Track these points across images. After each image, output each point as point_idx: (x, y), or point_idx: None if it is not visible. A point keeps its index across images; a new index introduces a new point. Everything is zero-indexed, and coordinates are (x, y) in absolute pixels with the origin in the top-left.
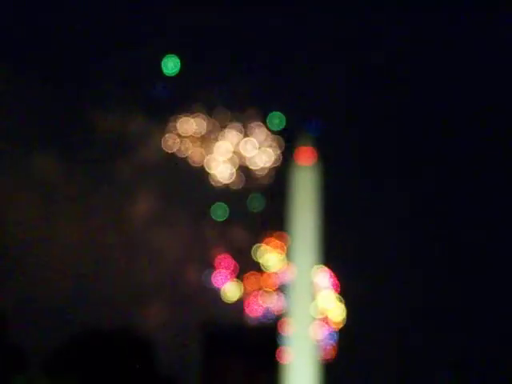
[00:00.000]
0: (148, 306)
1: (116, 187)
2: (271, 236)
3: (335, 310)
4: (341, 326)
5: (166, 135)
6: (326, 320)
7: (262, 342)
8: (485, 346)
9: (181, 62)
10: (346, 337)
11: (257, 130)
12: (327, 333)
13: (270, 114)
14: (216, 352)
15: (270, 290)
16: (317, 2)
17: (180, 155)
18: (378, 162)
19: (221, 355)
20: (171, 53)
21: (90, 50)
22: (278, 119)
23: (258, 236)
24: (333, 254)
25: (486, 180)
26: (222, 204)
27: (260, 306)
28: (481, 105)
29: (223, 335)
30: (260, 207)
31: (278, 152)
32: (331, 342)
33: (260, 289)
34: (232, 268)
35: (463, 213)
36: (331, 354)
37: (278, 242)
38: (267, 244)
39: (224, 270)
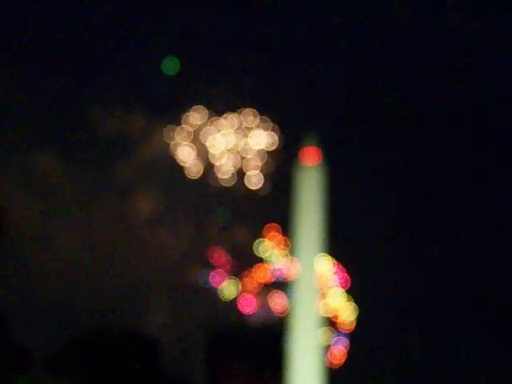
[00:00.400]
0: (151, 305)
1: (116, 187)
2: (274, 232)
3: (344, 310)
4: (351, 327)
5: (167, 135)
6: (333, 321)
7: (265, 343)
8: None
9: (181, 61)
10: (356, 340)
11: (259, 130)
12: (335, 335)
13: None
14: (219, 353)
15: (273, 288)
16: (317, 2)
17: (180, 155)
18: (382, 160)
19: (224, 356)
20: (171, 53)
21: (90, 49)
22: None
23: (261, 233)
24: (340, 251)
25: (487, 179)
26: (223, 208)
27: (262, 305)
28: (484, 105)
29: (226, 336)
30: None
31: (282, 151)
32: (340, 345)
33: (262, 287)
34: (232, 266)
35: (468, 211)
36: (339, 358)
37: (281, 237)
38: (270, 240)
39: (224, 269)
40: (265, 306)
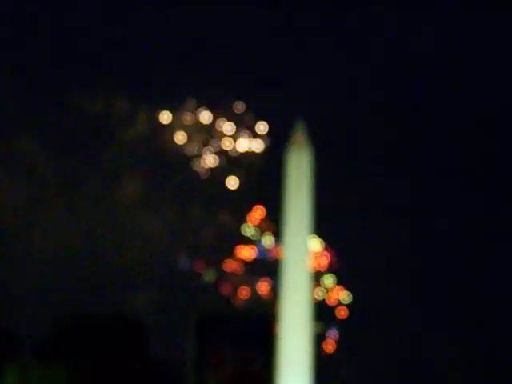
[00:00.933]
0: (139, 291)
1: (102, 172)
2: (262, 214)
3: (337, 295)
4: (344, 313)
5: (152, 120)
6: (326, 306)
7: (255, 328)
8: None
9: (170, 50)
10: (348, 327)
11: (248, 117)
12: (327, 322)
13: None
14: (208, 337)
15: (261, 270)
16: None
17: (168, 141)
18: (371, 144)
19: (213, 341)
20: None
21: (76, 34)
22: None
23: (248, 215)
24: (329, 233)
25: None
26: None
27: (251, 290)
28: (476, 102)
29: (215, 320)
30: None
31: (271, 136)
32: (331, 332)
33: (249, 269)
34: (219, 249)
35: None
36: (331, 345)
37: (268, 220)
38: (258, 222)
39: (211, 255)
40: (252, 289)
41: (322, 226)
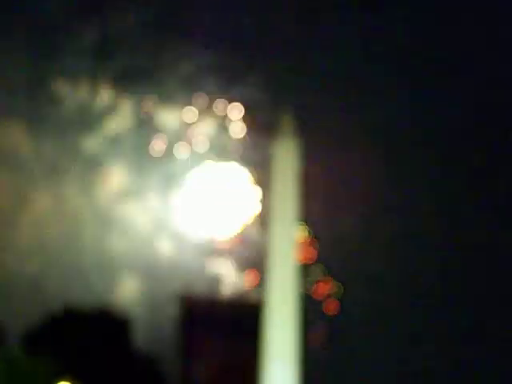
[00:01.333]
0: (124, 280)
1: (84, 159)
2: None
3: (324, 287)
4: (331, 307)
5: (135, 108)
6: (315, 299)
7: (242, 317)
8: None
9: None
10: (337, 321)
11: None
12: (314, 313)
13: None
14: (195, 327)
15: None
16: None
17: (152, 130)
18: (357, 132)
19: (200, 331)
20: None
21: (58, 22)
22: None
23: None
24: (316, 223)
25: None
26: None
27: (238, 280)
28: (476, 102)
29: (202, 310)
30: None
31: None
32: (319, 325)
33: (236, 262)
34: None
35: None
36: (319, 339)
37: (257, 213)
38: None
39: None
40: (239, 278)
41: (312, 217)
